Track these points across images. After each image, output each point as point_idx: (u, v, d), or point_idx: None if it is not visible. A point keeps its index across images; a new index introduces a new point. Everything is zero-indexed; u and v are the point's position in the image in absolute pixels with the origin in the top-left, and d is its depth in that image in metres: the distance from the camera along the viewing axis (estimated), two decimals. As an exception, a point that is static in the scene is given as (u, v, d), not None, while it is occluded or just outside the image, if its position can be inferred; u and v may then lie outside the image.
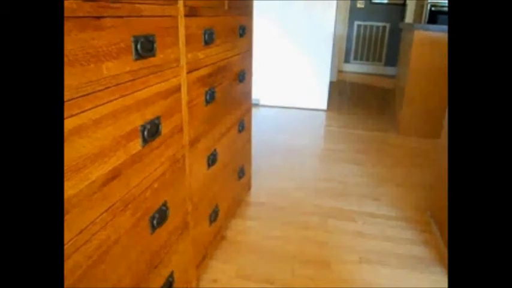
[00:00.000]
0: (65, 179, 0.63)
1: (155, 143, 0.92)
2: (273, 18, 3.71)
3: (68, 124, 0.62)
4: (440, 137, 1.91)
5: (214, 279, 1.42)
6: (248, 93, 1.82)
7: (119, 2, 0.72)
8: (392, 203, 2.04)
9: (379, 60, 6.39)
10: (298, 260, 1.55)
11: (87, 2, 0.63)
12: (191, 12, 1.05)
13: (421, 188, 2.22)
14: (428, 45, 2.93)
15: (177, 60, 1.00)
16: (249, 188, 2.10)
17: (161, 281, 1.05)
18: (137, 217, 0.88)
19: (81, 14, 0.62)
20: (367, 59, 6.44)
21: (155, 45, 0.87)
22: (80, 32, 0.62)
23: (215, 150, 1.38)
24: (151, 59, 0.86)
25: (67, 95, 0.61)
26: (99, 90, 0.69)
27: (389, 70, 6.29)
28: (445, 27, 2.90)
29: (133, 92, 0.80)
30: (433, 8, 4.78)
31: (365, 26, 6.26)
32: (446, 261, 1.54)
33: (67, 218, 0.64)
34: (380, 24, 6.20)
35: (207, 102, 1.24)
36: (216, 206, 1.47)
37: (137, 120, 0.84)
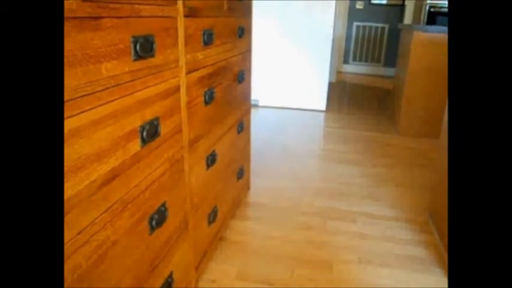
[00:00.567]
0: (65, 179, 0.63)
1: (154, 143, 0.92)
2: (272, 19, 3.72)
3: (67, 125, 0.62)
4: (439, 137, 1.91)
5: (213, 280, 1.41)
6: (247, 94, 1.82)
7: (118, 3, 0.72)
8: (392, 204, 2.04)
9: (378, 61, 6.40)
10: (298, 260, 1.55)
11: (86, 2, 0.63)
12: (190, 13, 1.05)
13: (420, 189, 2.23)
14: (427, 46, 2.93)
15: (177, 60, 1.00)
16: (248, 189, 2.09)
17: (160, 281, 1.04)
18: (136, 218, 0.88)
19: (80, 15, 0.62)
20: (366, 60, 6.45)
21: (154, 45, 0.87)
22: (79, 33, 0.62)
23: (214, 150, 1.38)
24: (151, 59, 0.86)
25: (66, 95, 0.60)
26: (99, 91, 0.69)
27: (388, 71, 6.30)
28: (444, 28, 2.91)
29: (132, 93, 0.80)
30: (431, 9, 4.78)
31: (364, 27, 6.27)
32: (445, 262, 1.54)
33: (66, 218, 0.64)
34: (379, 25, 6.20)
35: (206, 102, 1.24)
36: (215, 207, 1.47)
37: (136, 120, 0.83)
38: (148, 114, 0.88)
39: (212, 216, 1.43)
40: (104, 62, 0.70)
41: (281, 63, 3.87)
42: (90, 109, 0.67)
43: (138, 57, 0.81)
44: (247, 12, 1.66)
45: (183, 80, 1.05)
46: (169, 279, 1.09)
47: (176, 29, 0.98)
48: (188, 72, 1.08)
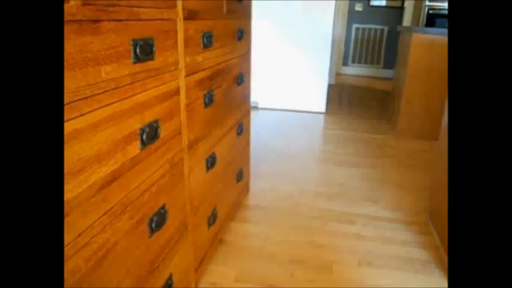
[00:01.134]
0: (64, 181, 0.63)
1: (154, 146, 0.93)
2: (272, 21, 3.73)
3: (67, 127, 0.62)
4: (438, 138, 1.92)
5: (213, 282, 1.41)
6: (247, 96, 1.82)
7: (117, 6, 0.73)
8: (392, 205, 2.04)
9: (378, 62, 6.41)
10: (297, 262, 1.55)
11: (86, 5, 0.64)
12: (190, 16, 1.06)
13: (420, 190, 2.23)
14: (426, 48, 2.94)
15: (176, 63, 1.01)
16: (248, 191, 2.10)
17: (160, 283, 1.04)
18: (136, 220, 0.88)
19: (79, 18, 0.62)
20: (366, 62, 6.46)
21: (154, 48, 0.87)
22: (78, 36, 0.63)
23: (214, 153, 1.38)
24: (150, 62, 0.87)
25: (66, 98, 0.61)
26: (98, 94, 0.69)
27: (388, 73, 6.30)
28: (443, 30, 2.91)
29: (132, 96, 0.81)
30: (430, 11, 4.80)
31: (363, 29, 6.28)
32: (445, 263, 1.54)
33: (66, 220, 0.64)
34: (378, 27, 6.21)
35: (206, 105, 1.25)
36: (215, 209, 1.47)
37: (136, 123, 0.84)
38: (148, 117, 0.89)
39: (212, 219, 1.43)
40: (103, 65, 0.70)
41: (281, 65, 3.87)
42: (89, 112, 0.67)
43: (138, 60, 0.81)
44: (246, 14, 1.66)
45: (182, 82, 1.05)
46: (169, 282, 1.09)
47: (175, 31, 0.99)
48: (188, 75, 1.09)
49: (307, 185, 2.26)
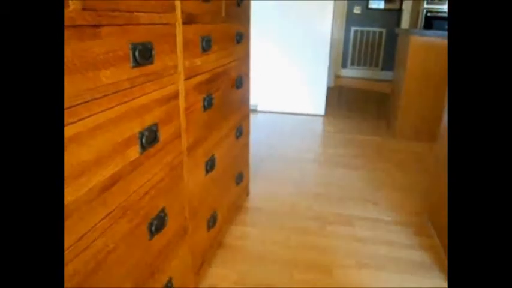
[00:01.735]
0: (64, 185, 0.63)
1: (153, 149, 0.93)
2: (270, 24, 3.74)
3: (67, 131, 0.62)
4: (437, 140, 1.92)
5: (213, 285, 1.42)
6: (246, 99, 1.83)
7: (117, 11, 0.73)
8: (391, 208, 2.04)
9: (376, 65, 6.42)
10: (297, 265, 1.55)
11: (86, 10, 0.64)
12: (189, 20, 1.06)
13: (419, 192, 2.23)
14: (425, 50, 2.95)
15: (175, 67, 1.01)
16: (247, 194, 2.10)
17: (160, 286, 1.05)
18: (136, 223, 0.89)
19: (80, 23, 0.63)
20: (364, 64, 6.47)
21: (153, 52, 0.88)
22: (78, 41, 0.63)
23: (213, 156, 1.38)
24: (149, 66, 0.87)
25: (66, 102, 0.61)
26: (97, 98, 0.69)
27: (386, 75, 6.32)
28: (441, 32, 2.93)
29: (131, 99, 0.81)
30: (428, 14, 4.81)
31: (362, 32, 6.30)
32: (445, 265, 1.54)
33: (66, 224, 0.65)
34: (376, 29, 6.24)
35: (205, 108, 1.25)
36: (215, 212, 1.47)
37: (135, 127, 0.84)
38: (147, 120, 0.89)
39: (211, 221, 1.44)
40: (103, 70, 0.70)
41: (279, 68, 3.88)
42: (89, 116, 0.68)
43: (137, 64, 0.82)
44: (245, 18, 1.67)
45: (181, 86, 1.06)
46: (169, 285, 1.10)
47: (175, 35, 0.99)
48: (187, 78, 1.09)
49: (306, 188, 2.26)
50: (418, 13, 4.99)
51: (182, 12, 1.02)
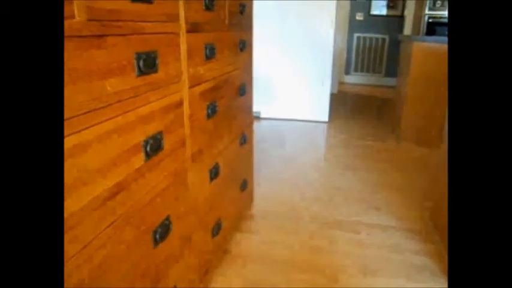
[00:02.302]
0: (69, 194, 0.63)
1: (157, 157, 0.93)
2: (273, 31, 3.76)
3: (72, 140, 0.63)
4: (440, 146, 1.92)
5: (217, 294, 1.41)
6: (249, 107, 1.83)
7: (122, 21, 0.74)
8: (394, 212, 2.03)
9: (379, 71, 6.43)
10: (303, 272, 1.54)
11: (91, 21, 0.65)
12: (192, 29, 1.07)
13: (423, 197, 2.22)
14: (427, 56, 2.95)
15: (179, 75, 1.02)
16: (252, 200, 2.09)
17: (164, 295, 1.04)
18: (140, 231, 0.89)
19: (85, 33, 0.64)
20: (367, 71, 6.48)
21: (157, 61, 0.89)
22: (84, 51, 0.64)
23: (217, 163, 1.39)
24: (154, 75, 0.88)
25: (71, 112, 0.62)
26: (102, 107, 0.70)
27: (389, 81, 6.32)
28: (443, 38, 2.93)
29: (135, 108, 0.82)
30: (430, 20, 4.82)
31: (364, 38, 6.32)
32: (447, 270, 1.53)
33: (71, 232, 0.65)
34: (379, 36, 6.25)
35: (209, 116, 1.26)
36: (219, 219, 1.47)
37: (140, 135, 0.85)
38: (152, 129, 0.90)
39: (216, 229, 1.43)
40: (108, 79, 0.71)
41: (283, 75, 3.89)
42: (94, 125, 0.68)
43: (141, 73, 0.82)
44: (248, 25, 1.68)
45: (185, 94, 1.07)
46: (174, 293, 1.09)
47: (178, 44, 1.00)
48: (191, 87, 1.10)
49: (311, 194, 2.26)
50: (420, 19, 5.00)
51: (186, 21, 1.03)
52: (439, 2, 4.78)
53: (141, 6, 0.81)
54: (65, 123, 0.60)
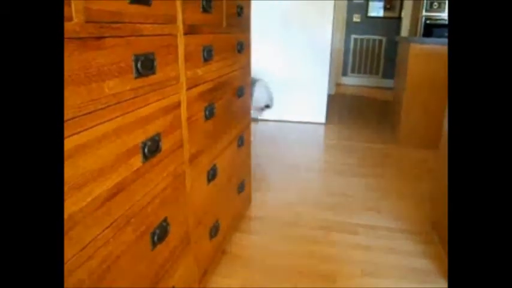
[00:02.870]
0: (68, 195, 0.64)
1: (155, 159, 0.94)
2: (270, 33, 3.76)
3: (71, 142, 0.63)
4: (439, 147, 1.92)
5: (216, 295, 1.41)
6: (247, 108, 1.84)
7: (120, 22, 0.74)
8: (394, 215, 2.04)
9: (377, 72, 6.45)
10: (301, 273, 1.54)
11: (90, 23, 0.65)
12: (190, 30, 1.08)
13: (422, 199, 2.23)
14: (425, 57, 2.97)
15: (177, 77, 1.02)
16: (250, 203, 2.10)
17: (163, 297, 1.04)
18: (139, 233, 0.89)
19: (83, 35, 0.64)
20: (365, 72, 6.50)
21: (155, 63, 0.89)
22: (82, 52, 0.64)
23: (215, 165, 1.39)
24: (152, 76, 0.88)
25: (69, 113, 0.62)
26: (101, 109, 0.70)
27: (387, 82, 6.34)
28: (441, 39, 2.95)
29: (134, 110, 0.82)
30: (427, 21, 4.84)
31: (362, 40, 6.34)
32: (447, 272, 1.53)
33: (70, 234, 0.65)
34: (376, 37, 6.27)
35: (207, 118, 1.26)
36: (217, 221, 1.47)
37: (138, 137, 0.85)
38: (150, 130, 0.90)
39: (214, 231, 1.44)
40: (106, 81, 0.71)
41: (280, 77, 3.90)
42: (92, 126, 0.69)
43: (140, 74, 0.83)
44: (245, 27, 1.69)
45: (183, 96, 1.07)
46: (172, 295, 1.09)
47: (176, 46, 1.00)
48: (189, 88, 1.10)
49: (309, 196, 2.26)
50: (417, 21, 5.02)
51: (183, 23, 1.03)
52: (436, 3, 4.80)
53: (140, 8, 0.81)
54: (65, 125, 0.61)
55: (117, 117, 0.76)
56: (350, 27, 6.27)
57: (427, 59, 2.96)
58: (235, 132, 1.64)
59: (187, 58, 1.07)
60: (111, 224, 0.77)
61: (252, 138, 2.57)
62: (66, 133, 0.61)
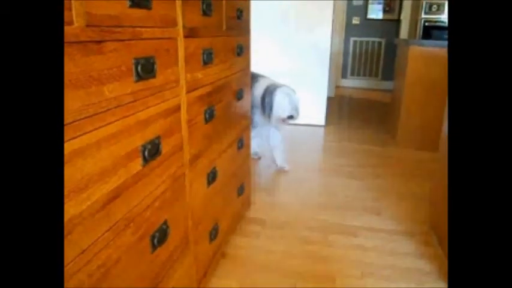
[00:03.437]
0: (68, 199, 0.64)
1: (155, 162, 0.94)
2: (271, 36, 3.77)
3: (71, 145, 0.63)
4: (438, 149, 1.93)
5: (215, 298, 1.41)
6: (246, 111, 1.84)
7: (120, 27, 0.75)
8: (393, 216, 2.04)
9: (376, 75, 6.46)
10: (300, 275, 1.54)
11: (90, 27, 0.66)
12: (190, 34, 1.08)
13: (421, 201, 2.23)
14: (424, 59, 2.98)
15: (177, 80, 1.02)
16: (249, 205, 2.10)
17: (163, 300, 1.04)
18: (138, 236, 0.89)
19: (83, 39, 0.64)
20: (364, 74, 6.51)
21: (155, 66, 0.89)
22: (82, 56, 0.64)
23: (215, 167, 1.39)
24: (152, 80, 0.89)
25: (70, 117, 0.62)
26: (101, 112, 0.70)
27: (386, 84, 6.35)
28: (440, 42, 2.95)
29: (134, 113, 0.82)
30: (426, 23, 4.86)
31: (361, 42, 6.35)
32: (447, 274, 1.53)
33: (70, 237, 0.65)
34: (376, 39, 6.28)
35: (207, 120, 1.26)
36: (216, 223, 1.47)
37: (138, 140, 0.85)
38: (150, 134, 0.90)
39: (213, 233, 1.44)
40: (106, 84, 0.71)
41: (280, 80, 3.90)
42: (92, 130, 0.69)
43: (140, 78, 0.83)
44: (245, 30, 1.69)
45: (183, 99, 1.07)
46: (172, 297, 1.09)
47: (176, 49, 1.01)
48: (188, 91, 1.10)
49: (308, 197, 2.26)
50: (416, 23, 5.03)
51: (184, 26, 1.03)
52: (435, 6, 4.81)
53: (140, 12, 0.81)
54: (65, 128, 0.61)
55: (117, 120, 0.76)
56: (349, 29, 6.28)
57: (426, 61, 2.97)
58: (234, 135, 1.64)
59: (187, 61, 1.07)
60: (111, 227, 0.78)
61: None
62: (66, 137, 0.61)
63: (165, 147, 0.98)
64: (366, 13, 6.20)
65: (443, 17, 4.83)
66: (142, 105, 0.86)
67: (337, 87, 6.38)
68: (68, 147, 0.62)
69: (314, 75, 3.81)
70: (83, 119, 0.66)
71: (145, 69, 0.84)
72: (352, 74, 6.55)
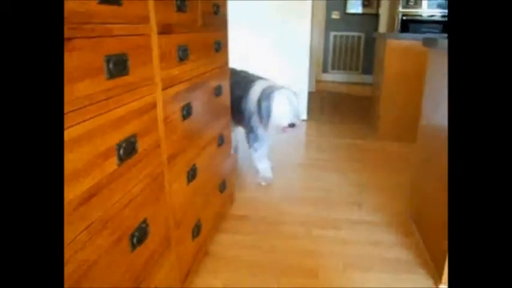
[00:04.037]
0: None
1: (132, 160, 0.93)
2: (249, 31, 3.76)
3: (41, 146, 0.62)
4: (416, 140, 1.96)
5: (199, 295, 1.41)
6: (226, 107, 1.84)
7: (90, 23, 0.73)
8: (375, 209, 2.07)
9: (356, 68, 6.52)
10: (284, 269, 1.55)
11: (57, 24, 0.64)
12: (164, 30, 1.07)
13: (401, 192, 2.26)
14: (401, 52, 3.02)
15: (152, 77, 1.01)
16: (232, 201, 2.10)
17: (144, 299, 1.04)
18: (117, 236, 0.88)
19: (50, 37, 0.63)
20: (345, 68, 6.56)
21: (128, 63, 0.88)
22: (50, 55, 0.63)
23: (194, 165, 1.38)
24: (125, 77, 0.87)
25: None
26: (71, 111, 0.69)
27: (367, 78, 6.41)
28: (416, 35, 3.00)
29: (107, 111, 0.81)
30: (404, 17, 4.92)
31: (341, 36, 6.39)
32: (428, 262, 1.57)
33: (43, 240, 0.64)
34: (355, 34, 6.34)
35: (184, 117, 1.25)
36: (199, 221, 1.47)
37: (112, 139, 0.84)
38: (125, 132, 0.89)
39: (196, 231, 1.43)
40: (77, 82, 0.70)
41: (260, 75, 3.90)
42: (65, 129, 0.67)
43: (112, 75, 0.81)
44: (223, 26, 1.68)
45: (159, 96, 1.06)
46: (154, 297, 1.09)
47: (150, 46, 0.99)
48: (164, 88, 1.09)
49: (291, 193, 2.27)
50: (394, 17, 5.09)
51: (157, 22, 1.02)
52: (412, 0, 4.87)
53: (110, 8, 0.80)
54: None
55: (90, 119, 0.75)
56: (329, 24, 6.31)
57: (404, 54, 3.01)
58: (214, 132, 1.63)
59: (162, 58, 1.06)
60: (87, 227, 0.76)
61: (234, 141, 2.54)
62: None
63: (142, 146, 0.97)
64: (345, 7, 6.25)
65: (420, 10, 4.89)
66: (116, 103, 0.84)
67: (318, 81, 6.41)
68: (37, 147, 0.61)
69: (294, 71, 3.82)
70: (52, 118, 0.64)
71: (118, 66, 0.83)
72: (333, 68, 6.59)
